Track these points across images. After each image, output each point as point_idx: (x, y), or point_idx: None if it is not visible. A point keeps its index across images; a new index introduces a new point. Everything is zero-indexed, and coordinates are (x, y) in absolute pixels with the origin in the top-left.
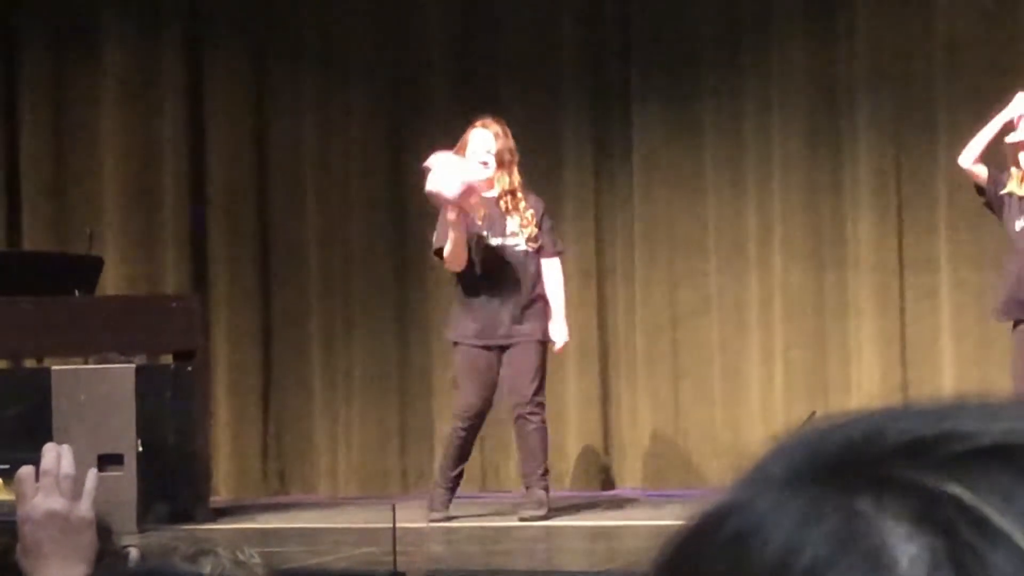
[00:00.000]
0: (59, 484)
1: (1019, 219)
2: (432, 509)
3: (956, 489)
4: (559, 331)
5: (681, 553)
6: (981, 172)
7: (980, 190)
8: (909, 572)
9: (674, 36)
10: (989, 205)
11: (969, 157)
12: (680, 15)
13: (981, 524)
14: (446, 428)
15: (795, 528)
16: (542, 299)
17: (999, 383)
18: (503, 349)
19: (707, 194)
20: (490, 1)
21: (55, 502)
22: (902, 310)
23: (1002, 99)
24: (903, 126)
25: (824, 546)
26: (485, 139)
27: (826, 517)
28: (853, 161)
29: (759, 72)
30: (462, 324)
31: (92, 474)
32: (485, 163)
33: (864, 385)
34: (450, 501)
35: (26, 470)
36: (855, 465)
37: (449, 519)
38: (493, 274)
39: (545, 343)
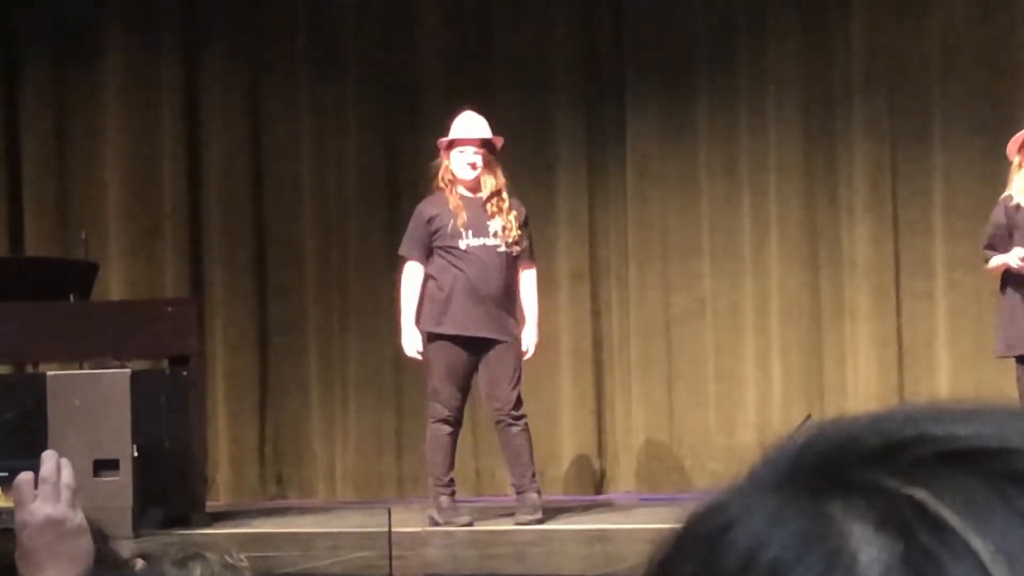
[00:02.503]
0: (59, 492)
1: None
2: (453, 519)
3: (919, 493)
4: (530, 337)
5: (664, 554)
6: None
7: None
8: (866, 572)
9: (668, 39)
10: (991, 247)
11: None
12: (674, 17)
13: (939, 528)
14: (427, 432)
15: (762, 528)
16: (517, 302)
17: (994, 385)
18: (478, 348)
19: (701, 197)
20: (484, 5)
21: (53, 508)
22: (898, 313)
23: (997, 101)
24: (898, 128)
25: (788, 546)
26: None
27: (794, 518)
28: (848, 163)
29: (754, 74)
30: (435, 317)
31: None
32: (473, 164)
33: (860, 388)
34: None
35: (25, 476)
36: (829, 469)
37: (470, 523)
38: (470, 273)
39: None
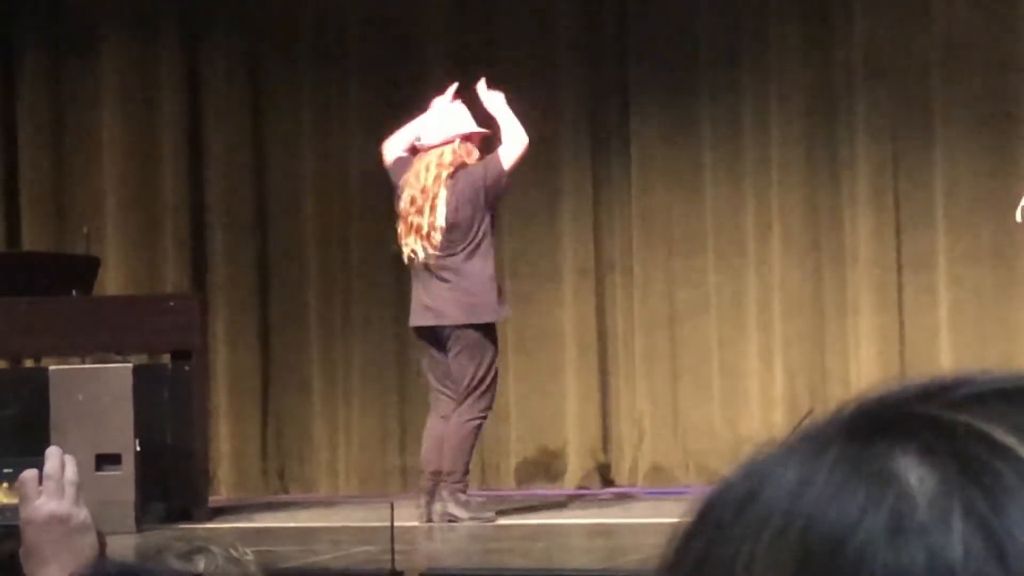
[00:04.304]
0: (63, 489)
1: None
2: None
3: (964, 418)
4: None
5: (688, 526)
6: None
7: None
8: (919, 489)
9: (672, 33)
10: None
11: None
12: (678, 12)
13: (991, 444)
14: (472, 425)
15: (802, 473)
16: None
17: None
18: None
19: (705, 192)
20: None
21: (57, 505)
22: (900, 307)
23: (999, 96)
24: (900, 122)
25: (830, 481)
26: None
27: (835, 460)
28: (851, 158)
29: (757, 69)
30: (501, 305)
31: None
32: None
33: (863, 381)
34: None
35: (29, 473)
36: (863, 419)
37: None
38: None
39: None
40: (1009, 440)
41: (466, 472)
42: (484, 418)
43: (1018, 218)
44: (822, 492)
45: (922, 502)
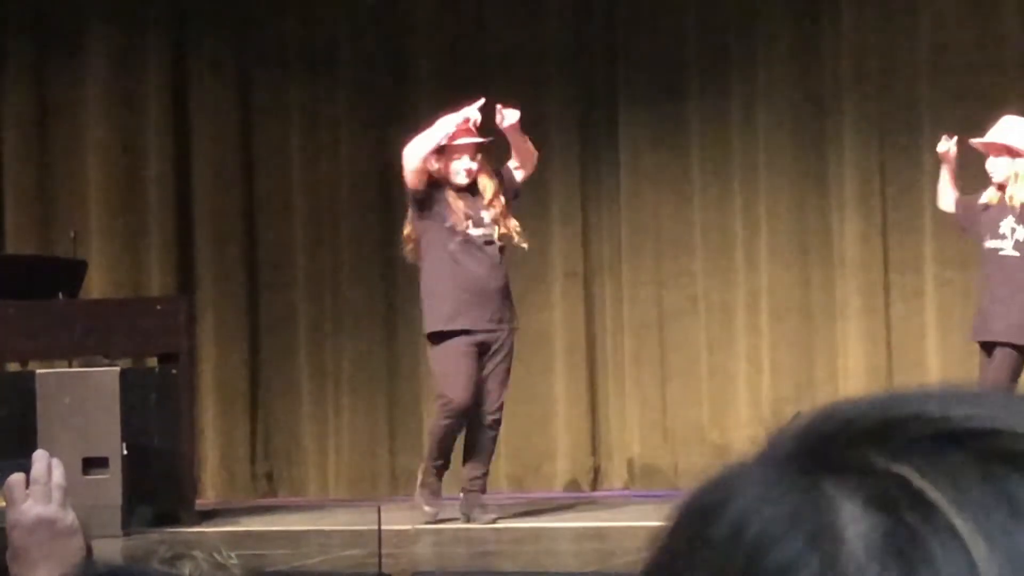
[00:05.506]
0: (50, 492)
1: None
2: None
3: (905, 470)
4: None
5: (669, 526)
6: (955, 208)
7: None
8: (854, 548)
9: (660, 38)
10: (966, 230)
11: (945, 201)
12: (666, 16)
13: (923, 504)
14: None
15: (752, 503)
16: (510, 291)
17: None
18: (487, 344)
19: (693, 195)
20: (477, 3)
21: (44, 509)
22: (887, 310)
23: (986, 99)
24: (888, 126)
25: (774, 520)
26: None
27: (785, 494)
28: (838, 161)
29: (744, 73)
30: (450, 314)
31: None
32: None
33: (850, 385)
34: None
35: (16, 477)
36: (826, 448)
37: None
38: (473, 265)
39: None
40: (943, 503)
41: (424, 467)
42: (449, 420)
43: (943, 207)
44: (763, 533)
45: (854, 562)
